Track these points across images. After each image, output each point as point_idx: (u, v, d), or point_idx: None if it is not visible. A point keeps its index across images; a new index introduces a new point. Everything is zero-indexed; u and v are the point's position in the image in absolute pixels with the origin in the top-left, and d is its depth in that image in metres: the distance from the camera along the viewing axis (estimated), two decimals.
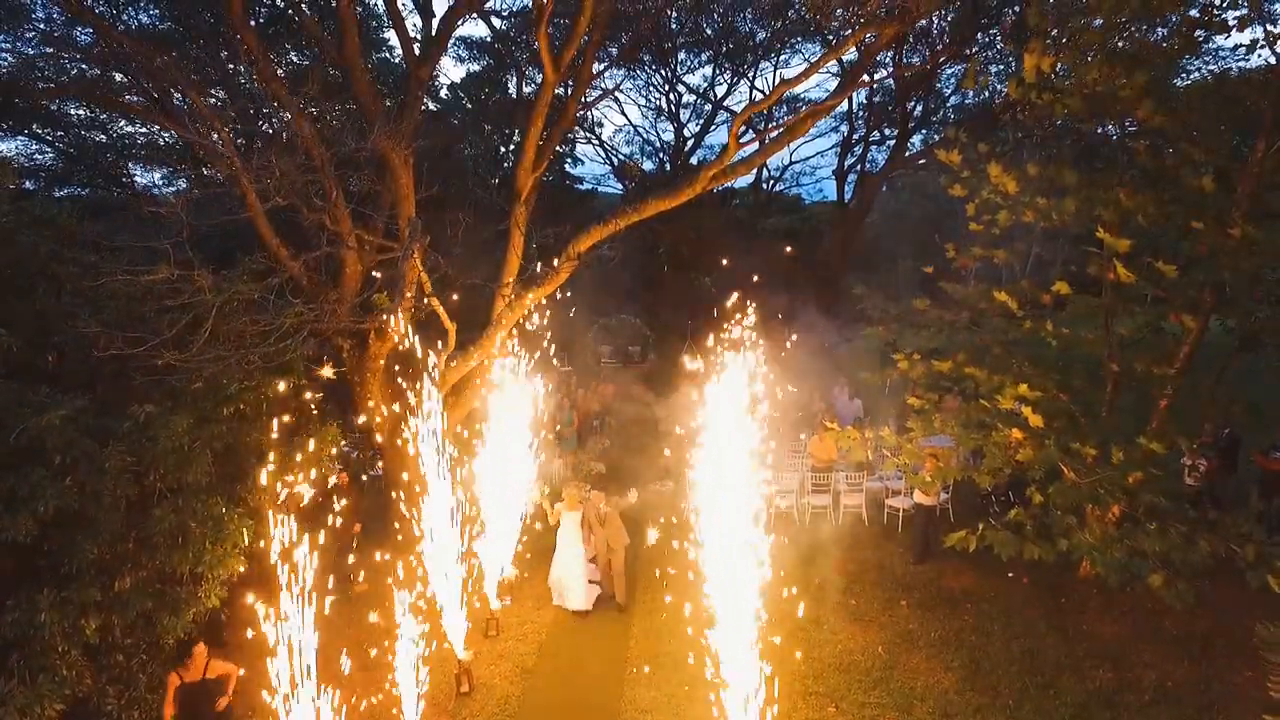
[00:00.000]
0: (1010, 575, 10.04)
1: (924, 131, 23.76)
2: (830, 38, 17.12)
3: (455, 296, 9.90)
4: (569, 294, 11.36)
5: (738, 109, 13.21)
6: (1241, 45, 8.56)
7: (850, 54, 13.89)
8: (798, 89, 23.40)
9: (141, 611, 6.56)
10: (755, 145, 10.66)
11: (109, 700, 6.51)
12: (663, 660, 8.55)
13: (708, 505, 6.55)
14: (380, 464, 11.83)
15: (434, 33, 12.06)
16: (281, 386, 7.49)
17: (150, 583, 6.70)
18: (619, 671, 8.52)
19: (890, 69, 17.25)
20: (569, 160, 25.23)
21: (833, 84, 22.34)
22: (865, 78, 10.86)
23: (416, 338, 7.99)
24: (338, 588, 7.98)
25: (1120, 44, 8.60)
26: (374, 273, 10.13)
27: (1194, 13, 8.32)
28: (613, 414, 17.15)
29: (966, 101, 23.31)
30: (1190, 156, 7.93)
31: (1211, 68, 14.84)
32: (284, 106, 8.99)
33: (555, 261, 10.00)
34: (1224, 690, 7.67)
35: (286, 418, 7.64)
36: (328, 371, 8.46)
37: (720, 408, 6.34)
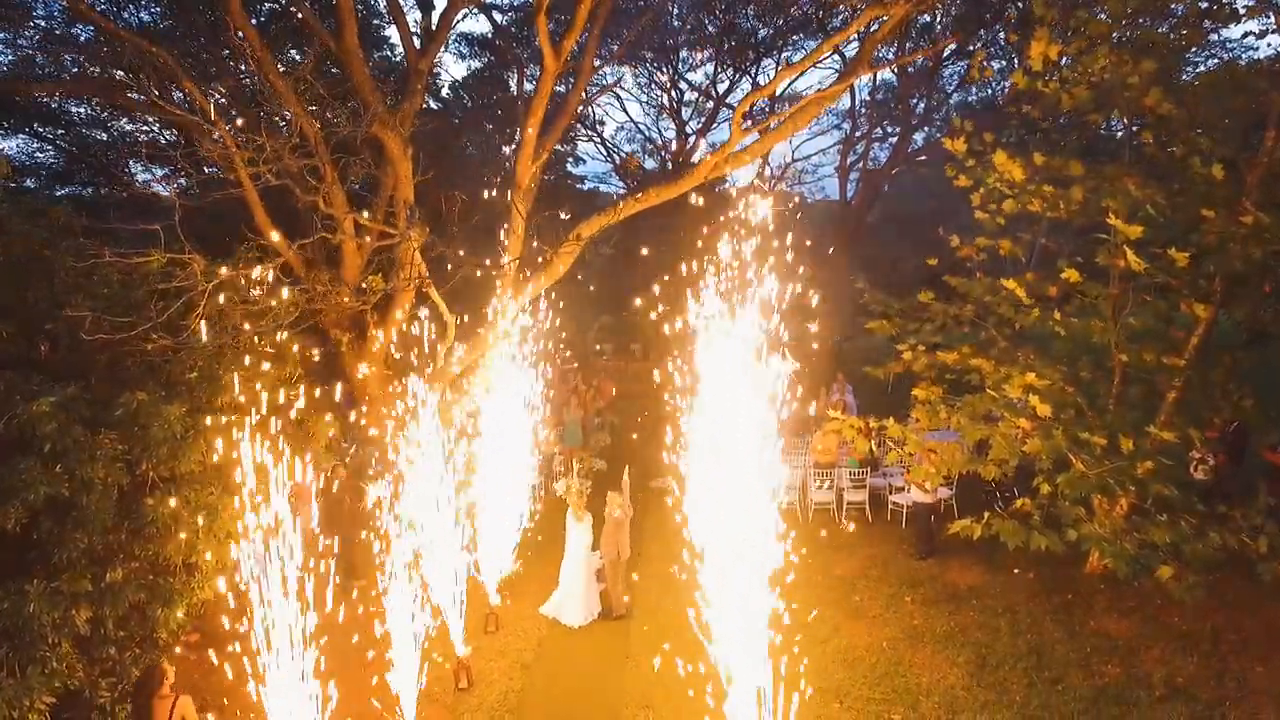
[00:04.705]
0: (1016, 571, 9.92)
1: (926, 129, 23.72)
2: (832, 30, 17.02)
3: (455, 292, 9.81)
4: (572, 293, 11.29)
5: (744, 110, 13.06)
6: (1250, 33, 8.44)
7: (853, 46, 13.79)
8: (800, 85, 23.37)
9: (133, 603, 6.46)
10: (756, 135, 10.55)
11: (101, 693, 6.39)
12: (663, 655, 8.42)
13: (709, 499, 6.41)
14: (378, 459, 11.72)
15: (434, 26, 12.00)
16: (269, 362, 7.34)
17: (142, 573, 6.60)
18: (619, 667, 8.41)
19: (893, 59, 17.13)
20: (571, 159, 25.19)
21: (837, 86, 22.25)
22: (868, 68, 10.74)
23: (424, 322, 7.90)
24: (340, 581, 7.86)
25: (1127, 35, 8.49)
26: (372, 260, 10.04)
27: (1203, 4, 8.22)
28: (615, 410, 17.07)
29: (970, 99, 23.27)
30: (1198, 146, 7.82)
31: (1219, 58, 14.71)
32: (281, 95, 8.91)
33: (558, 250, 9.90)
34: (1235, 685, 7.53)
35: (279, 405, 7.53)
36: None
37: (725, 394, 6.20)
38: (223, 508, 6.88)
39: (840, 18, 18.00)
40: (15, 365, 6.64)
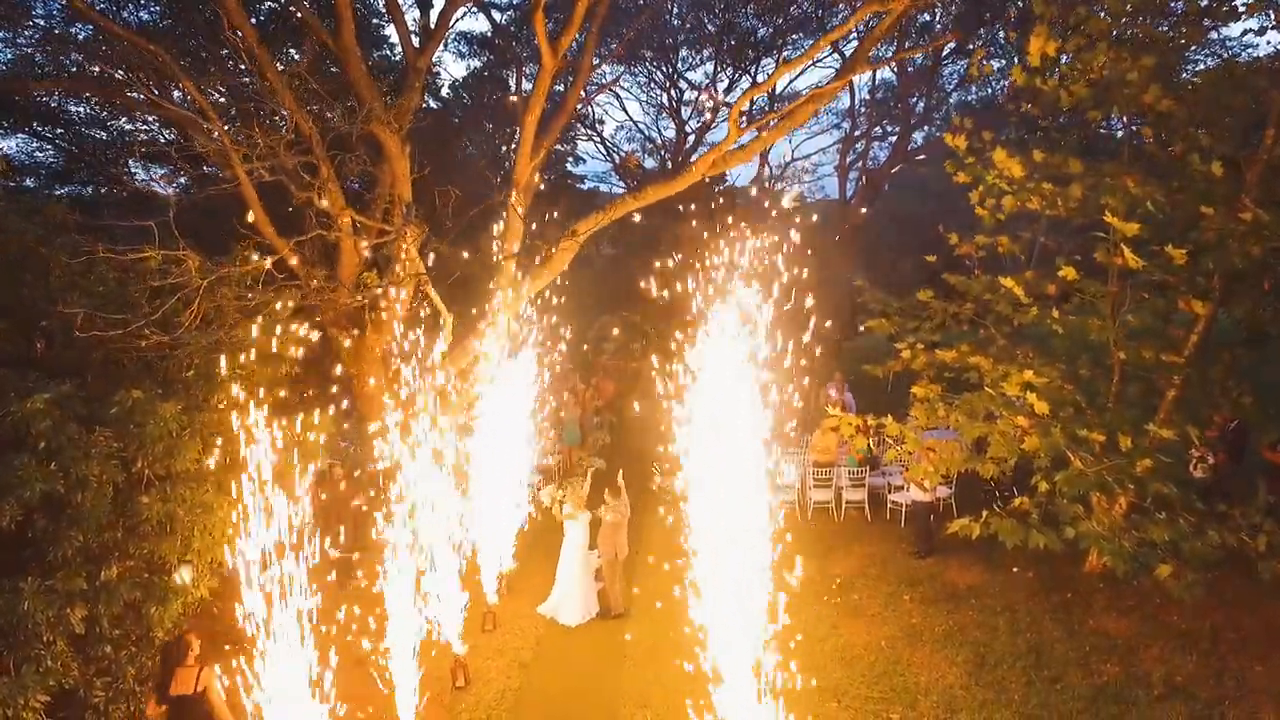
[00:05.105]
0: (1015, 570, 9.90)
1: (926, 128, 23.70)
2: (832, 29, 17.03)
3: (454, 290, 9.79)
4: (572, 291, 11.26)
5: (742, 108, 13.08)
6: (1250, 31, 8.43)
7: (853, 44, 13.74)
8: (800, 84, 23.35)
9: (129, 601, 6.43)
10: (755, 133, 10.54)
11: (96, 692, 6.36)
12: (660, 654, 8.41)
13: (706, 498, 6.38)
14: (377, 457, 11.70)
15: (432, 24, 12.00)
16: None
17: (138, 572, 6.57)
18: (616, 666, 8.39)
19: (892, 57, 17.10)
20: (571, 159, 25.19)
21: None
22: (866, 65, 10.71)
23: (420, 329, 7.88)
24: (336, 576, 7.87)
25: (1127, 33, 8.47)
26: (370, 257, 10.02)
27: (1203, 2, 8.19)
28: (614, 410, 17.06)
29: (969, 98, 23.25)
30: (1198, 143, 7.79)
31: (1219, 56, 14.70)
32: (276, 91, 8.89)
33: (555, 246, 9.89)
34: (1234, 684, 7.50)
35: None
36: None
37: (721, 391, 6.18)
38: (218, 506, 6.85)
39: (840, 16, 17.96)
40: (11, 363, 6.63)
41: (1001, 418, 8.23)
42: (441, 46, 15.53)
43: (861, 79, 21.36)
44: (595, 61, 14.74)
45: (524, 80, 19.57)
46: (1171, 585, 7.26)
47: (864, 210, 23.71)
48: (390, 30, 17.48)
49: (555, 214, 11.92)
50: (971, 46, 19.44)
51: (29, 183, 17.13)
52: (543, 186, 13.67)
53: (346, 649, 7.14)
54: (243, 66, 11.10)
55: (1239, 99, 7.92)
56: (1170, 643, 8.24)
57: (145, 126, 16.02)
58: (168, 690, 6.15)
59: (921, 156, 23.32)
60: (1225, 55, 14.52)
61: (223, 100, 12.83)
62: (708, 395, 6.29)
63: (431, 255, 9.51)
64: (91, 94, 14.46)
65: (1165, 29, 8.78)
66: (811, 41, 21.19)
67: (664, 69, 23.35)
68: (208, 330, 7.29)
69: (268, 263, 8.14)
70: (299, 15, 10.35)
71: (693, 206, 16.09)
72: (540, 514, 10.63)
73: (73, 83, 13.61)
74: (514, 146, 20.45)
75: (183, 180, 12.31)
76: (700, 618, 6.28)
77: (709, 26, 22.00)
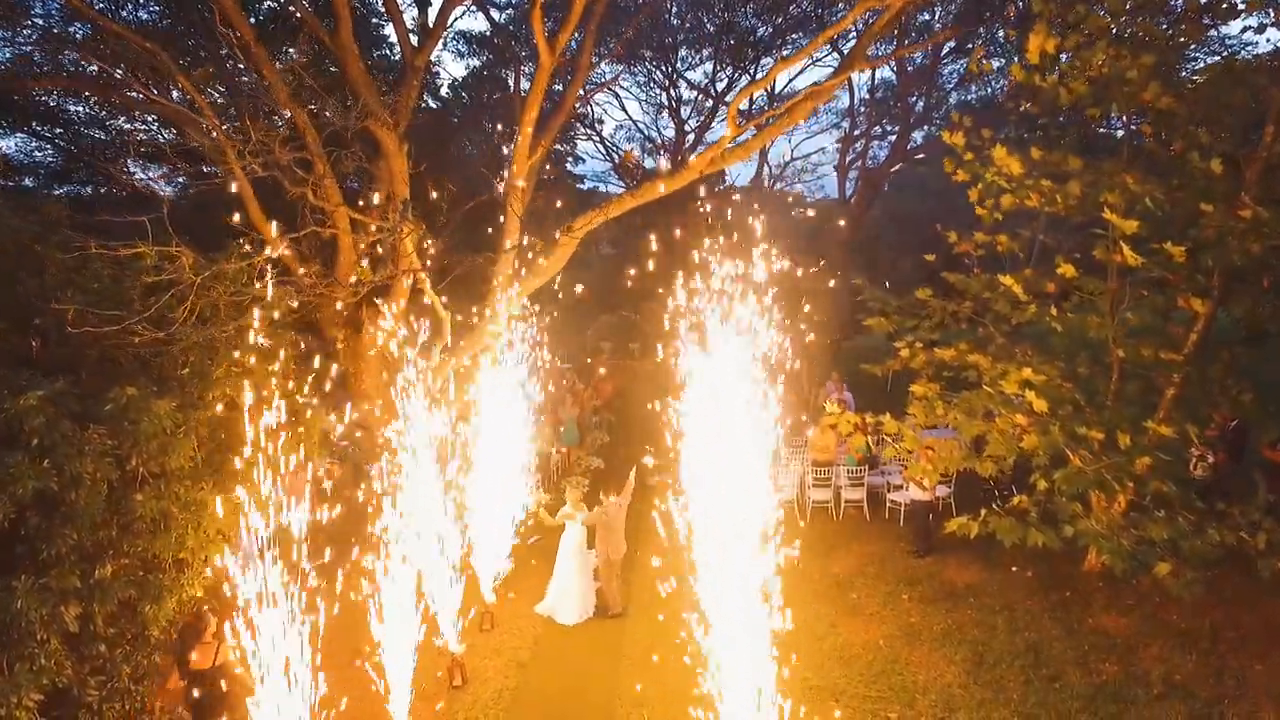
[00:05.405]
0: (1014, 569, 9.87)
1: (925, 128, 23.66)
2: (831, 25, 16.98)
3: (451, 289, 9.77)
4: (570, 291, 11.22)
5: (741, 106, 13.11)
6: (1249, 28, 8.39)
7: (851, 41, 13.70)
8: (800, 84, 23.31)
9: (123, 600, 6.39)
10: (753, 130, 10.53)
11: (90, 691, 6.32)
12: (658, 654, 8.38)
13: (704, 496, 6.36)
14: (376, 455, 11.66)
15: (431, 23, 11.98)
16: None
17: (132, 570, 6.54)
18: (614, 666, 8.36)
19: (890, 54, 17.05)
20: (570, 158, 25.16)
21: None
22: (864, 62, 10.66)
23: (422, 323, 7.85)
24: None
25: (1126, 31, 8.45)
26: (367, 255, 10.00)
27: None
28: (613, 410, 17.03)
29: (969, 98, 23.22)
30: (1197, 140, 7.77)
31: (1219, 54, 14.67)
32: (272, 86, 8.87)
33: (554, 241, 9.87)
34: (1234, 683, 7.47)
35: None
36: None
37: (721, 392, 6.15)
38: (213, 504, 6.82)
39: (839, 14, 17.95)
40: (6, 360, 6.60)
41: (1000, 416, 8.21)
42: (440, 45, 15.53)
43: (861, 78, 21.36)
44: (594, 60, 14.75)
45: (523, 79, 19.54)
46: (1171, 584, 7.24)
47: (864, 209, 23.66)
48: (389, 29, 17.46)
49: (554, 213, 11.89)
50: (971, 45, 19.44)
51: (28, 182, 17.12)
52: (542, 184, 13.67)
53: (343, 647, 7.13)
54: (240, 65, 11.09)
55: (1238, 96, 7.91)
56: (1169, 641, 8.21)
57: (143, 125, 16.00)
58: (187, 664, 6.47)
59: (921, 156, 23.29)
60: (1225, 53, 14.48)
61: (221, 100, 12.81)
62: (706, 394, 6.28)
63: (429, 253, 9.49)
64: (90, 93, 14.44)
65: (1165, 26, 8.76)
66: (811, 40, 21.18)
67: (663, 68, 23.32)
68: (202, 327, 7.26)
69: (271, 252, 8.12)
70: (297, 14, 10.33)
71: (698, 196, 16.07)
72: (531, 518, 10.61)
73: (71, 81, 13.59)
74: (513, 145, 20.46)
75: (181, 179, 12.28)
76: (698, 616, 6.26)
77: (708, 26, 21.98)
